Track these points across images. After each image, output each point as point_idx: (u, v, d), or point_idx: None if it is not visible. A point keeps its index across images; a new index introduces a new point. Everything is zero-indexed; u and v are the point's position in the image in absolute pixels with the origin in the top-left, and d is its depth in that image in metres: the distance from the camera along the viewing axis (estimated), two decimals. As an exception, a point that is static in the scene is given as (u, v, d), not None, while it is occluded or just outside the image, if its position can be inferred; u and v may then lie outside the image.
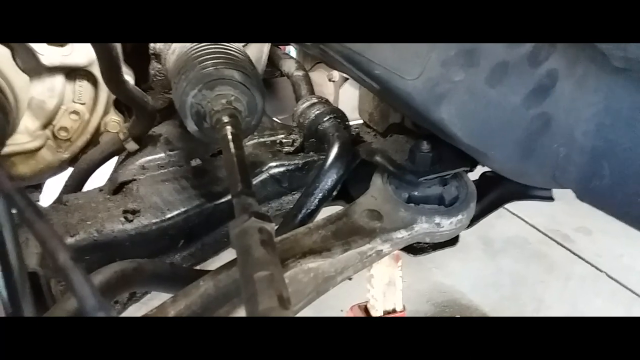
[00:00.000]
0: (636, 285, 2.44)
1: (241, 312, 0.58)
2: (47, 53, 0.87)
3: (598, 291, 2.42)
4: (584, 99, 0.68)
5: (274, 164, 0.93)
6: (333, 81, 1.62)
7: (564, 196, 0.85)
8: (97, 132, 0.98)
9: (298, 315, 0.65)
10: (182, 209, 0.85)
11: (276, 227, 0.83)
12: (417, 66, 0.60)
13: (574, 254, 2.70)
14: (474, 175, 0.91)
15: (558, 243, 2.78)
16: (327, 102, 0.97)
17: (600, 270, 2.56)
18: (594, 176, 0.73)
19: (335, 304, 1.75)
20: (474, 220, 0.88)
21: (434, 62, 0.60)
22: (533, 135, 0.71)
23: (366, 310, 1.36)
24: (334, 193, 0.86)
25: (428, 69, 0.60)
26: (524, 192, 0.95)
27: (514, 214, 2.89)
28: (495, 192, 0.95)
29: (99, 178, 0.97)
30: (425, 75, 0.61)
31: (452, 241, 0.89)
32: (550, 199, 0.95)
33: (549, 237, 2.82)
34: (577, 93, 0.68)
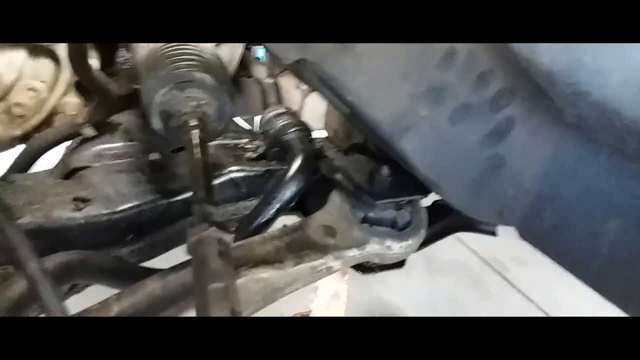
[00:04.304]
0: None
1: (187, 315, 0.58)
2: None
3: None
4: (535, 146, 0.73)
5: (235, 168, 0.93)
6: (300, 89, 1.63)
7: (506, 228, 0.90)
8: (54, 113, 0.95)
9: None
10: (135, 203, 0.83)
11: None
12: (388, 96, 0.62)
13: (509, 282, 2.82)
14: (427, 201, 0.95)
15: (495, 270, 2.90)
16: (294, 113, 0.98)
17: (532, 301, 2.70)
18: (536, 218, 0.78)
19: (277, 309, 1.75)
20: (421, 246, 0.91)
21: (404, 95, 0.62)
22: (485, 174, 0.74)
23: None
24: (292, 204, 0.87)
25: (397, 101, 0.63)
26: (471, 225, 0.99)
27: (458, 237, 3.00)
28: (445, 221, 0.99)
29: (46, 161, 0.94)
30: (394, 106, 0.63)
31: (400, 263, 0.92)
32: (494, 234, 1.00)
33: (488, 264, 2.94)
34: (530, 140, 0.72)
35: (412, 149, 0.67)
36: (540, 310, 2.63)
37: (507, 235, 0.97)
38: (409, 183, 0.84)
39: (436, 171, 0.72)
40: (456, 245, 2.97)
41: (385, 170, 0.82)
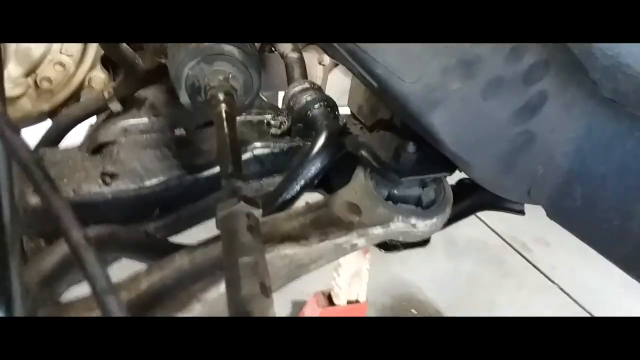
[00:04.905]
0: (586, 300, 2.55)
1: (215, 291, 0.59)
2: None
3: (549, 302, 2.53)
4: (568, 122, 0.71)
5: (259, 144, 0.92)
6: (323, 65, 1.61)
7: (529, 207, 0.89)
8: (81, 87, 0.96)
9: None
10: (162, 178, 0.84)
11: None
12: (418, 70, 0.61)
13: (530, 262, 2.80)
14: (452, 179, 0.94)
15: (516, 250, 2.87)
16: (319, 89, 0.97)
17: (553, 282, 2.67)
18: (566, 196, 0.76)
19: (300, 288, 1.77)
20: (446, 224, 0.90)
21: (434, 68, 0.61)
22: (516, 150, 0.73)
23: (330, 298, 1.39)
24: (316, 181, 0.87)
25: (428, 75, 0.61)
26: (498, 203, 0.98)
27: (478, 217, 2.97)
28: (470, 200, 0.98)
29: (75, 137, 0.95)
30: (424, 80, 0.61)
31: (423, 242, 0.92)
32: (522, 212, 0.99)
33: (508, 244, 2.91)
34: (563, 116, 0.70)
35: (441, 124, 0.66)
36: (561, 292, 2.61)
37: (529, 214, 0.95)
38: (434, 160, 0.83)
39: (465, 147, 0.71)
40: (477, 225, 2.95)
41: (410, 147, 0.81)
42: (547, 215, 0.80)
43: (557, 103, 0.70)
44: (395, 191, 0.83)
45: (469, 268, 2.68)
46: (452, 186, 0.91)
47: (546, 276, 2.71)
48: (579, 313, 2.48)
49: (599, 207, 0.73)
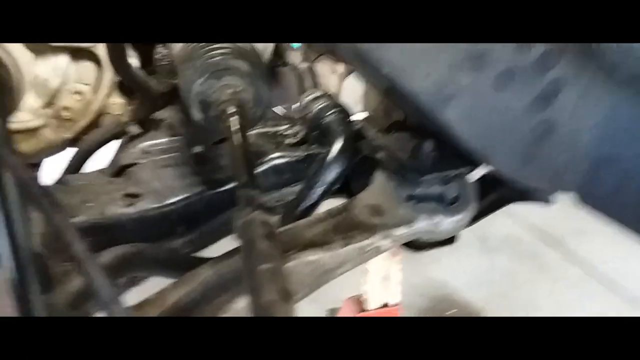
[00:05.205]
0: (624, 292, 2.46)
1: (240, 302, 0.59)
2: (53, 32, 0.86)
3: (587, 295, 2.45)
4: (588, 107, 0.69)
5: (276, 154, 0.93)
6: (336, 73, 1.61)
7: (562, 199, 0.86)
8: (100, 114, 0.98)
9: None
10: (184, 195, 0.86)
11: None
12: (426, 67, 0.60)
13: (566, 256, 2.72)
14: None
15: (551, 244, 2.80)
16: (330, 96, 0.97)
17: (591, 275, 2.59)
18: (595, 182, 0.74)
19: (330, 294, 1.76)
20: (473, 220, 0.88)
21: (442, 64, 0.60)
22: (536, 140, 0.71)
23: (360, 303, 1.38)
24: (336, 187, 0.87)
25: (436, 71, 0.60)
26: (524, 195, 0.96)
27: (510, 212, 2.91)
28: (496, 194, 0.96)
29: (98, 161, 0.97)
30: (433, 77, 0.61)
31: (450, 240, 0.90)
32: (549, 202, 0.96)
33: (543, 238, 2.84)
34: (582, 102, 0.68)
35: (456, 119, 0.65)
36: (601, 285, 2.52)
37: (563, 206, 0.93)
38: (454, 156, 0.81)
39: (483, 140, 0.69)
40: (509, 220, 2.88)
41: (428, 145, 0.80)
42: (579, 201, 0.77)
43: (574, 89, 0.68)
44: (417, 190, 0.82)
45: (503, 265, 2.61)
46: (476, 181, 0.90)
47: (583, 269, 2.63)
48: (618, 304, 2.39)
49: (632, 187, 0.70)
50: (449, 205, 0.81)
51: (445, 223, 0.79)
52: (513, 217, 2.91)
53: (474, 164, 0.84)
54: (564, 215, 2.82)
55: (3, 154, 0.38)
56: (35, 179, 0.39)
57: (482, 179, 0.97)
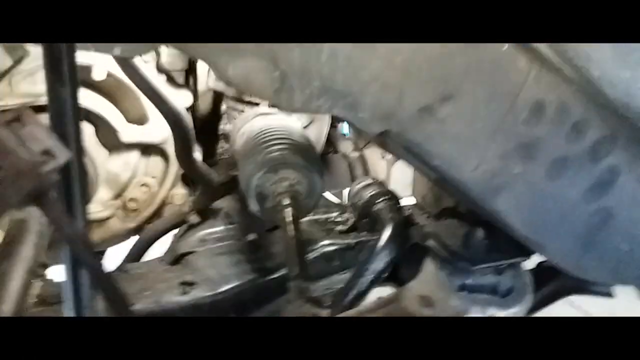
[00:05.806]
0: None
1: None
2: (126, 130, 0.95)
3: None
4: (647, 194, 0.67)
5: (326, 242, 0.94)
6: (386, 159, 1.65)
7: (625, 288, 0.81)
8: (164, 204, 1.04)
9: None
10: (236, 283, 0.88)
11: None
12: (476, 158, 0.61)
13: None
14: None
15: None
16: (381, 183, 0.99)
17: None
18: (660, 274, 0.70)
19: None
20: (530, 312, 0.84)
21: (492, 154, 0.61)
22: (593, 229, 0.69)
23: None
24: (385, 275, 0.86)
25: (486, 161, 0.61)
26: (583, 286, 0.91)
27: (571, 301, 2.72)
28: (553, 284, 0.92)
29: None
30: (484, 166, 0.62)
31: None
32: (610, 295, 0.91)
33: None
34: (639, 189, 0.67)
35: (508, 209, 0.65)
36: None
37: (627, 296, 0.87)
38: (507, 245, 0.80)
39: (537, 230, 0.68)
40: (569, 310, 2.68)
41: (480, 233, 0.79)
42: (640, 294, 0.73)
43: (631, 176, 0.67)
44: (469, 280, 0.80)
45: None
46: (531, 271, 0.86)
47: None
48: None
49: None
50: (503, 296, 0.78)
51: (500, 316, 0.76)
52: (573, 306, 2.71)
53: (528, 253, 0.82)
54: (628, 306, 2.60)
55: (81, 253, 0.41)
56: (102, 267, 0.42)
57: (537, 269, 0.94)
